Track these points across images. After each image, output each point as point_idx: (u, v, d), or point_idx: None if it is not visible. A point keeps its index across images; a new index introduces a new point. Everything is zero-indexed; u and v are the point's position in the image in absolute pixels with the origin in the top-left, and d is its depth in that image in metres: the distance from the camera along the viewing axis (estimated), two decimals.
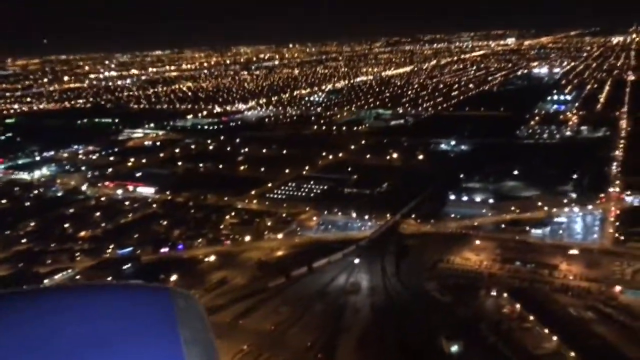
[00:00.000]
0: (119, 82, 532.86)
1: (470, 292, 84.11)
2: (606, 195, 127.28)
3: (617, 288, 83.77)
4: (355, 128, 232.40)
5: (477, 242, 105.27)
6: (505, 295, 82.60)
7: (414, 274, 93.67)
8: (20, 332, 3.05)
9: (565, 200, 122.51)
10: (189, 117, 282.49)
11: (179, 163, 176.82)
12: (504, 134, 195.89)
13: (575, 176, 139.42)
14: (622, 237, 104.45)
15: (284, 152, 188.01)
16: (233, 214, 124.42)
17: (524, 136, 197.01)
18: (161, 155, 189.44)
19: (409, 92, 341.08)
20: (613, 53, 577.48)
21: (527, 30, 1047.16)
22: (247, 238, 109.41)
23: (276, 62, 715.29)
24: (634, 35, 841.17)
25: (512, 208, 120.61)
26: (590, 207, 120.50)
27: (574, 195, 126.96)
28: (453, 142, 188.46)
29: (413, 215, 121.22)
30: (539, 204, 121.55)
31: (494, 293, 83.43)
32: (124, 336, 2.95)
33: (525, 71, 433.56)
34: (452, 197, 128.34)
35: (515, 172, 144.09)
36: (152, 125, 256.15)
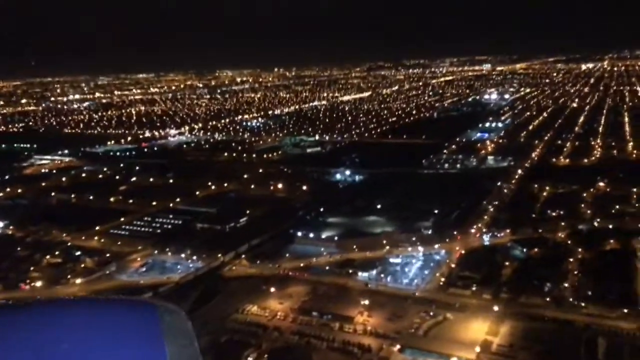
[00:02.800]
0: (75, 106, 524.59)
1: (233, 353, 75.01)
2: (464, 232, 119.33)
3: (397, 347, 75.05)
4: (268, 155, 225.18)
5: (293, 287, 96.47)
6: (265, 356, 73.61)
7: (199, 326, 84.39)
8: (6, 347, 2.95)
9: (414, 238, 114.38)
10: (110, 142, 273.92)
11: (53, 194, 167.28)
12: (408, 164, 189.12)
13: (440, 211, 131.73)
14: (448, 282, 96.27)
15: (171, 181, 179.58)
16: (57, 252, 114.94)
17: (427, 166, 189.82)
18: (43, 184, 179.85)
19: (349, 118, 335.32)
20: (572, 80, 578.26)
21: (509, 56, 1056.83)
22: (44, 282, 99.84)
23: (246, 86, 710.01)
24: (605, 63, 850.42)
25: (355, 246, 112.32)
26: (438, 246, 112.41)
27: (429, 232, 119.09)
28: (348, 172, 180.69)
29: (250, 254, 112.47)
30: (385, 242, 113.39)
31: (253, 356, 74.27)
32: (110, 350, 2.87)
33: (477, 97, 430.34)
34: (300, 233, 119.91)
35: (381, 206, 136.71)
36: (65, 151, 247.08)
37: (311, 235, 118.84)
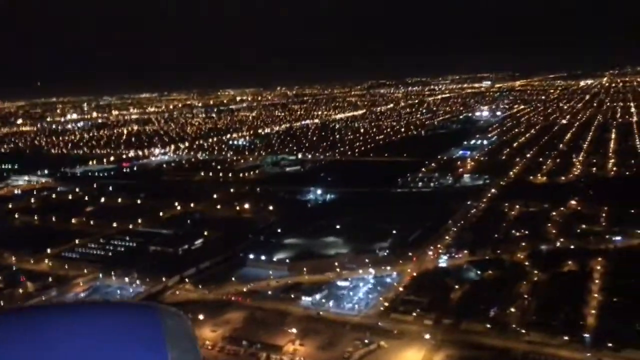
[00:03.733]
0: (69, 126, 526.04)
1: None
2: (421, 254, 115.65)
3: None
4: (246, 175, 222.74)
5: (231, 313, 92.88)
6: None
7: None
8: (5, 353, 2.96)
9: (368, 260, 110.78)
10: (92, 163, 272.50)
11: (17, 215, 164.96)
12: (383, 183, 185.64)
13: (402, 231, 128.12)
14: (392, 307, 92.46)
15: (139, 202, 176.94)
16: (0, 277, 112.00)
17: (401, 185, 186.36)
18: (10, 205, 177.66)
19: (337, 136, 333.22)
20: (568, 96, 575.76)
21: (511, 73, 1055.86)
22: None
23: (243, 105, 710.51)
24: (604, 79, 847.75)
25: (306, 269, 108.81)
26: (390, 268, 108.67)
27: (385, 254, 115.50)
28: (319, 192, 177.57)
29: (196, 278, 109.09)
30: (337, 264, 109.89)
31: None
32: (111, 354, 2.90)
33: (469, 114, 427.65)
34: (252, 256, 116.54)
35: (344, 226, 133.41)
36: (45, 171, 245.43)
37: (263, 257, 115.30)
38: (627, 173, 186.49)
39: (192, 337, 3.29)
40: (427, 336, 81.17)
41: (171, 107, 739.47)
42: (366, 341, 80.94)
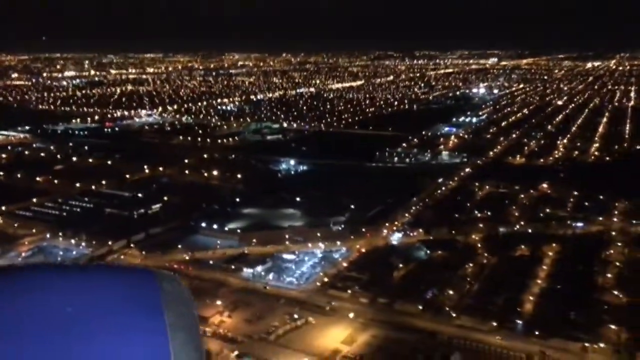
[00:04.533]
0: (64, 82, 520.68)
1: None
2: (376, 230, 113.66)
3: (235, 353, 69.97)
4: (226, 141, 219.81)
5: None
6: None
7: None
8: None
9: (320, 234, 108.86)
10: (75, 120, 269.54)
11: None
12: (361, 156, 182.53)
13: (364, 206, 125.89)
14: (331, 283, 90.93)
15: (109, 163, 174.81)
16: None
17: (378, 159, 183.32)
18: None
19: (327, 106, 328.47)
20: (571, 77, 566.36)
21: (520, 51, 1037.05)
22: None
23: (243, 70, 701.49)
24: (612, 62, 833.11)
25: (256, 240, 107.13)
26: (341, 243, 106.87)
27: (340, 228, 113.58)
28: (292, 163, 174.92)
29: (144, 243, 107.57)
30: (288, 236, 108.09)
31: None
32: (106, 317, 2.87)
33: (466, 91, 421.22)
34: (204, 224, 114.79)
35: (307, 199, 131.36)
36: (26, 127, 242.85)
37: (215, 226, 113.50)
38: (608, 159, 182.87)
39: (189, 302, 3.20)
40: (358, 315, 79.67)
41: (171, 68, 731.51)
42: (295, 316, 79.55)
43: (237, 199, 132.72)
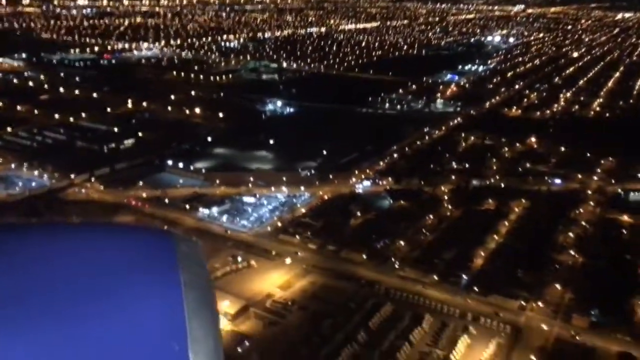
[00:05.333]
0: (74, 11, 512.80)
1: None
2: (345, 177, 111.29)
3: None
4: (220, 78, 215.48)
5: (121, 217, 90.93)
6: None
7: None
8: (11, 270, 2.94)
9: (286, 178, 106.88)
10: (74, 51, 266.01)
11: None
12: (354, 101, 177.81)
13: (339, 152, 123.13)
14: (284, 228, 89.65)
15: (94, 95, 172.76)
16: None
17: (370, 104, 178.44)
18: None
19: (334, 48, 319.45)
20: (596, 28, 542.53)
21: None
22: None
23: (259, 7, 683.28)
24: None
25: (220, 181, 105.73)
26: (305, 188, 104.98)
27: (309, 174, 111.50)
28: (280, 104, 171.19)
29: (107, 178, 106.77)
30: (253, 179, 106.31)
31: None
32: (120, 275, 2.94)
33: (482, 38, 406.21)
34: (170, 162, 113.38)
35: (283, 142, 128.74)
36: (23, 55, 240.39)
37: (182, 165, 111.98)
38: (607, 115, 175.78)
39: (203, 263, 3.27)
40: (302, 261, 78.66)
41: (185, 1, 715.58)
42: (239, 259, 78.76)
43: (211, 138, 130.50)
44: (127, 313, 2.65)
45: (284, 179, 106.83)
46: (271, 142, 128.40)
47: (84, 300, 2.67)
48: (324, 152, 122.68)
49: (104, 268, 2.91)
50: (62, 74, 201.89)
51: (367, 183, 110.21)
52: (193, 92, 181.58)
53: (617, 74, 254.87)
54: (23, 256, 2.99)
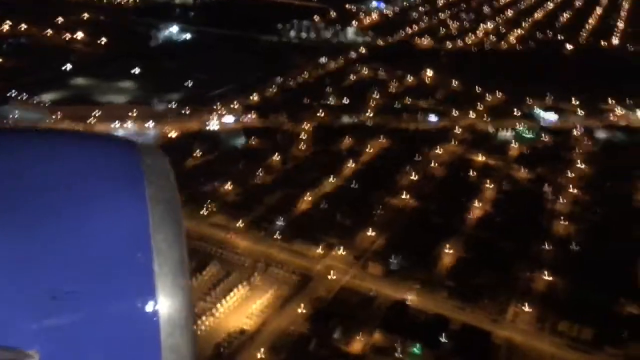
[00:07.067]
0: None
1: None
2: (207, 112, 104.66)
3: None
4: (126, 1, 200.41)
5: None
6: None
7: None
8: None
9: (137, 112, 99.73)
10: None
11: None
12: (262, 28, 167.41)
13: (213, 83, 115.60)
14: None
15: None
16: None
17: (275, 32, 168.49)
18: None
19: None
20: None
21: None
22: None
23: None
24: None
25: (63, 114, 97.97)
26: (155, 124, 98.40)
27: (166, 107, 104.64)
28: (176, 29, 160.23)
29: None
30: (101, 113, 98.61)
31: None
32: (81, 185, 2.72)
33: None
34: (15, 93, 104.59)
35: (156, 71, 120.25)
36: None
37: (26, 96, 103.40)
38: (520, 47, 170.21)
39: (170, 175, 2.82)
40: None
41: None
42: None
43: (76, 66, 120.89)
44: (88, 225, 2.50)
45: (134, 113, 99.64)
46: (140, 71, 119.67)
47: (41, 212, 2.50)
48: (196, 84, 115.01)
49: (60, 179, 2.61)
50: None
51: (227, 119, 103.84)
52: (87, 15, 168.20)
53: (551, 5, 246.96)
54: None
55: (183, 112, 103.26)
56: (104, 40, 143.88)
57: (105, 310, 2.22)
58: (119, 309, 2.23)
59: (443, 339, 53.47)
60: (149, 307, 2.18)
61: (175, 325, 2.19)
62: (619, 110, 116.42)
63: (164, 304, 2.19)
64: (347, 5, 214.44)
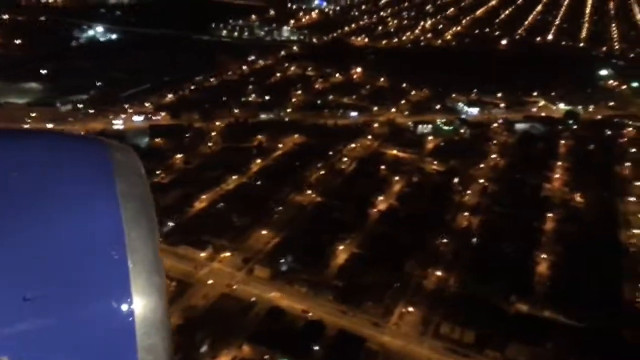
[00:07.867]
0: None
1: None
2: (118, 111, 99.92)
3: None
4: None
5: None
6: None
7: None
8: None
9: (39, 114, 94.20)
10: None
11: None
12: (196, 27, 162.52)
13: (130, 83, 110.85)
14: None
15: None
16: None
17: (209, 31, 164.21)
18: None
19: None
20: None
21: None
22: None
23: None
24: None
25: None
26: (56, 125, 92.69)
27: (76, 107, 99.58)
28: (101, 29, 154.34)
29: None
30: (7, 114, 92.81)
31: None
32: (50, 185, 2.49)
33: None
34: None
35: (70, 72, 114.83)
36: None
37: None
38: (454, 44, 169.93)
39: (141, 173, 2.62)
40: None
41: None
42: None
43: None
44: (58, 226, 2.38)
45: (34, 114, 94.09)
46: (52, 72, 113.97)
47: (8, 214, 2.39)
48: (109, 83, 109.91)
49: (27, 179, 2.43)
50: None
51: (135, 118, 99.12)
52: (6, 15, 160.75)
53: (494, 2, 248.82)
54: None
55: (89, 112, 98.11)
56: (19, 41, 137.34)
57: (78, 313, 2.11)
58: (92, 311, 2.12)
59: (316, 348, 50.04)
60: (124, 308, 2.08)
61: (151, 325, 2.08)
62: (541, 103, 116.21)
63: (139, 304, 2.09)
64: (289, 4, 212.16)
